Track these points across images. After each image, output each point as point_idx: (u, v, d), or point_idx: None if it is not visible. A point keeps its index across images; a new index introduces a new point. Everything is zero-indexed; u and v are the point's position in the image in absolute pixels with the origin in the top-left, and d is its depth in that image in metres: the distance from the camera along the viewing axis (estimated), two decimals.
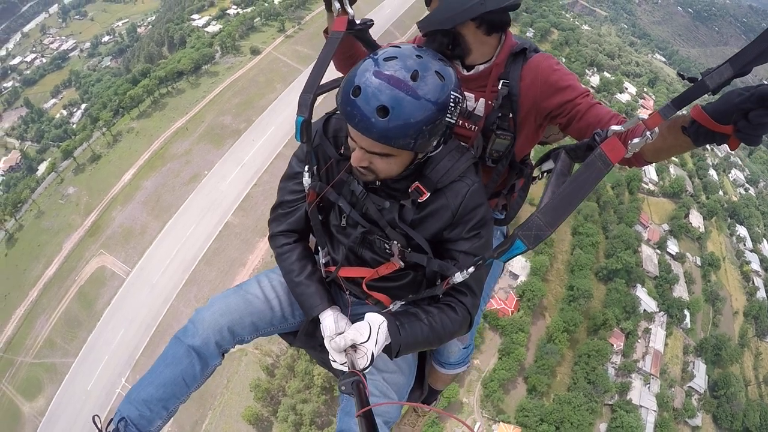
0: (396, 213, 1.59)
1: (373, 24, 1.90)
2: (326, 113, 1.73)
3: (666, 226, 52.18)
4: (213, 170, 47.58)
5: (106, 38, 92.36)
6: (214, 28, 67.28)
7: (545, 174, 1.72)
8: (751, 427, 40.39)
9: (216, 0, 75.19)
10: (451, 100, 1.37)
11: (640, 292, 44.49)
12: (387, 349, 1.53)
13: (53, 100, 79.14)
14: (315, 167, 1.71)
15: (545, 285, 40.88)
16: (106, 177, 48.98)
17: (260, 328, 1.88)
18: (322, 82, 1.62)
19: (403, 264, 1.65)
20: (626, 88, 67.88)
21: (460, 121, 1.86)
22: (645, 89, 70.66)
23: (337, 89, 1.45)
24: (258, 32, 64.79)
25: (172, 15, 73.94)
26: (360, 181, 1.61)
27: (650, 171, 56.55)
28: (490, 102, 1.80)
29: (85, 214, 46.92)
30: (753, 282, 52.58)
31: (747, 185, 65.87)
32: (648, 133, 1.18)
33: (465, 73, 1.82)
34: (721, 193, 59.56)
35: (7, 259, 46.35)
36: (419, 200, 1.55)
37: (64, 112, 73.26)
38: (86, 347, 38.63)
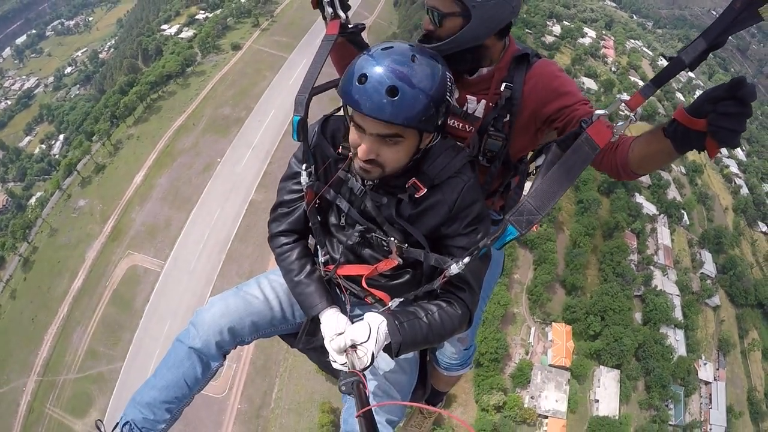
0: (393, 209, 1.61)
1: (364, 27, 1.91)
2: (324, 115, 1.75)
3: None
4: (225, 156, 48.38)
5: (68, 69, 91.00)
6: (187, 33, 68.00)
7: (538, 169, 1.83)
8: (764, 300, 44.98)
9: (182, 9, 75.89)
10: (448, 79, 1.45)
11: (640, 199, 48.50)
12: (387, 349, 1.52)
13: (28, 138, 77.57)
14: (313, 167, 1.69)
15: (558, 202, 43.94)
16: (117, 183, 48.89)
17: (261, 329, 1.91)
18: (316, 84, 1.65)
19: (401, 261, 1.66)
20: (586, 33, 72.74)
21: (458, 123, 1.89)
22: (603, 32, 76.09)
23: (334, 88, 1.49)
24: (233, 30, 66.03)
25: (141, 29, 73.90)
26: (359, 179, 1.62)
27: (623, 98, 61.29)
28: (491, 104, 1.82)
29: (102, 221, 46.55)
30: (734, 182, 57.98)
31: None
32: (631, 114, 1.23)
33: (468, 77, 1.85)
34: None
35: (27, 282, 45.19)
36: (416, 196, 1.56)
37: (43, 146, 71.91)
38: (133, 348, 38.18)
